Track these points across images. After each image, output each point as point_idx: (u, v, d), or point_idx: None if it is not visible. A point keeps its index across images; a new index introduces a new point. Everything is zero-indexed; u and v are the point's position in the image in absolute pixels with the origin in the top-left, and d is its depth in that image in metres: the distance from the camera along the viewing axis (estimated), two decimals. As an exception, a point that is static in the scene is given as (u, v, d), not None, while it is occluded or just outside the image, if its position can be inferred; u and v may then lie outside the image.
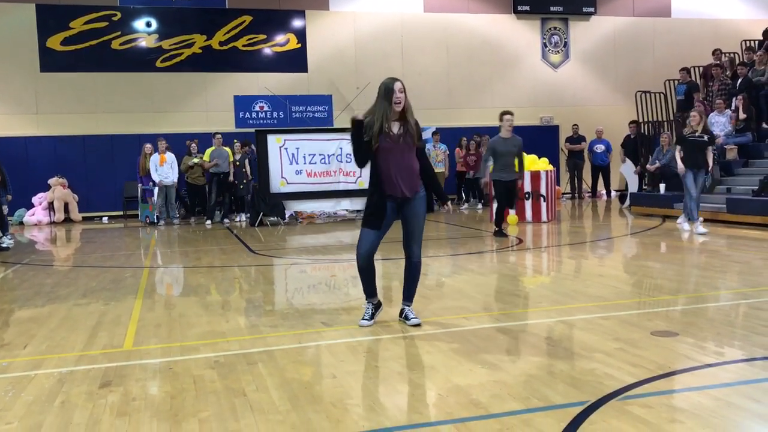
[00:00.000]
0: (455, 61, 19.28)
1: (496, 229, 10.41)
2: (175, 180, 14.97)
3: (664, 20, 20.71)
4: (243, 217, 15.02)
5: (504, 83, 19.69)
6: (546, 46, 20.12)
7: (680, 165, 10.08)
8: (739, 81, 14.19)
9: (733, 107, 13.67)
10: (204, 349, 4.56)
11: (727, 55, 16.95)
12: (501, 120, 10.18)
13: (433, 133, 16.53)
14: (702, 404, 3.23)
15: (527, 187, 12.53)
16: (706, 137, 10.03)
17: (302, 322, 5.24)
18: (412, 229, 4.91)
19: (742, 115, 13.41)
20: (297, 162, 14.04)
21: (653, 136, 15.84)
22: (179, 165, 15.13)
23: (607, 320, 4.98)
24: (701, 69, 16.31)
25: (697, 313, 5.20)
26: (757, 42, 16.65)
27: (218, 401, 3.52)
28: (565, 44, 20.24)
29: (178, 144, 15.61)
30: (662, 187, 13.48)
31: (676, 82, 16.07)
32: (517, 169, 10.36)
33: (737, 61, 15.93)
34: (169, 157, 14.85)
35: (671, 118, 15.85)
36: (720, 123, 13.48)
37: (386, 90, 4.75)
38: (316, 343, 4.61)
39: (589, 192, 18.66)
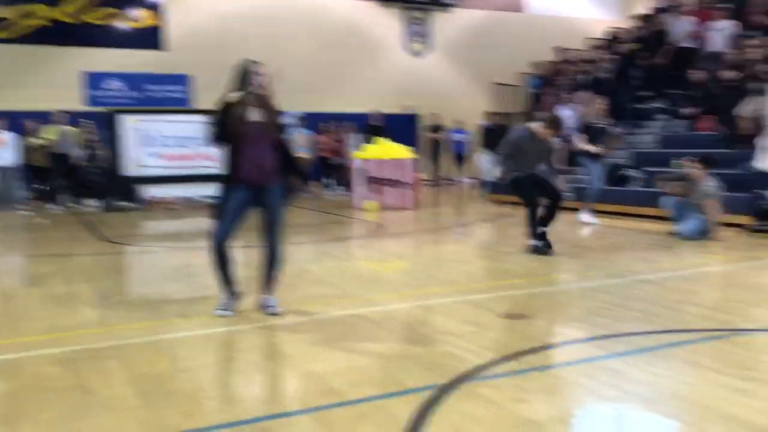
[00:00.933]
0: (320, 46, 19.19)
1: (534, 244, 7.36)
2: (15, 161, 13.81)
3: (517, 15, 21.68)
4: (93, 202, 14.17)
5: (368, 70, 19.85)
6: (409, 36, 20.49)
7: (594, 148, 9.63)
8: (585, 77, 15.17)
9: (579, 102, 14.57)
10: (48, 344, 4.27)
11: (573, 52, 18.06)
12: (537, 119, 8.13)
13: (300, 118, 16.38)
14: (545, 383, 3.44)
15: (389, 173, 12.74)
16: (603, 124, 9.96)
17: (156, 314, 5.03)
18: (271, 219, 4.82)
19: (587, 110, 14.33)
20: (153, 144, 13.45)
21: (508, 127, 16.59)
22: (21, 145, 13.99)
23: (461, 304, 5.17)
24: (548, 64, 17.27)
25: (544, 296, 5.52)
26: (600, 40, 17.82)
27: (63, 400, 3.31)
28: (427, 34, 20.71)
29: (19, 123, 14.43)
30: (515, 175, 14.15)
31: (529, 75, 16.93)
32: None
33: (583, 58, 17.02)
34: (7, 136, 13.68)
35: (525, 110, 16.67)
36: (568, 117, 14.34)
37: (245, 73, 4.63)
38: (171, 336, 4.45)
39: (449, 180, 19.30)
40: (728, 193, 8.89)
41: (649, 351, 3.95)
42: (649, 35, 14.40)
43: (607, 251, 7.68)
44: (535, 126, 7.53)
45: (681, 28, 13.86)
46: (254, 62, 4.67)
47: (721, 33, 12.66)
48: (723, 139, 10.95)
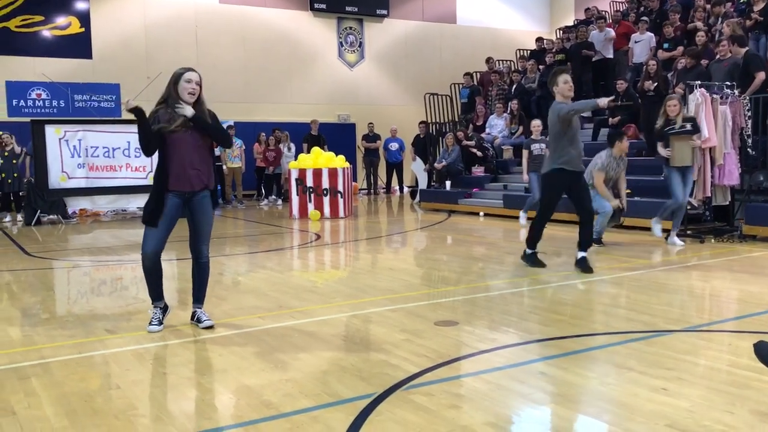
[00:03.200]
0: (252, 54, 19.06)
1: (528, 251, 7.13)
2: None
3: (450, 26, 22.06)
4: (8, 217, 13.48)
5: (302, 80, 19.83)
6: (342, 45, 20.56)
7: (666, 153, 8.21)
8: (514, 87, 15.53)
9: (509, 111, 14.92)
10: (-34, 365, 4.10)
11: (502, 62, 18.47)
12: (555, 82, 6.69)
13: (229, 127, 16.20)
14: (477, 389, 3.50)
15: (325, 183, 12.74)
16: (689, 126, 8.15)
17: (84, 330, 4.89)
18: (200, 227, 4.77)
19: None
20: (79, 155, 13.07)
21: (440, 136, 16.83)
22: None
23: (396, 312, 5.22)
24: (479, 75, 17.62)
25: (475, 302, 5.62)
26: (528, 51, 18.31)
27: (-18, 424, 3.18)
28: (361, 44, 20.83)
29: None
30: (448, 184, 14.40)
31: (461, 85, 17.22)
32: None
33: (512, 69, 17.42)
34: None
35: (456, 119, 16.94)
36: (498, 125, 14.67)
37: (177, 78, 4.59)
38: (100, 353, 4.33)
39: (383, 188, 19.42)
40: (649, 199, 9.25)
41: (575, 354, 4.08)
42: (573, 47, 14.86)
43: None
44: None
45: (603, 39, 14.37)
46: (189, 69, 4.64)
47: (641, 44, 13.19)
48: (645, 146, 11.39)
